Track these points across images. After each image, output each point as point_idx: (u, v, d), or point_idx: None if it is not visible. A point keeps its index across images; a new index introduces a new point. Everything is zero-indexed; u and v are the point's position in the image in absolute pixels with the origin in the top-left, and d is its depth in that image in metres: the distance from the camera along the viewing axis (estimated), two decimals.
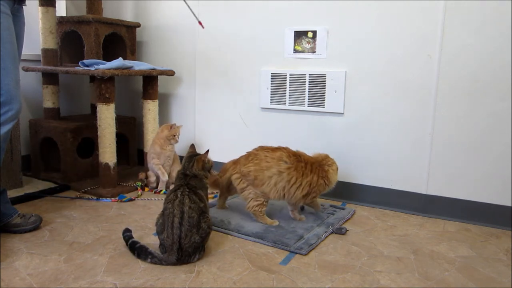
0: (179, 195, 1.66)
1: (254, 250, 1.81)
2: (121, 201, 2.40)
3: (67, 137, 2.59)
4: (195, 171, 1.78)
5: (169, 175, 2.63)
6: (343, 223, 2.12)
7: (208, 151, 1.85)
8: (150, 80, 2.72)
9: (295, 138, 2.61)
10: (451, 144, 2.20)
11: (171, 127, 2.56)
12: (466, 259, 1.77)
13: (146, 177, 2.68)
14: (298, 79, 2.52)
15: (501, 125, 2.08)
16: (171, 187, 2.14)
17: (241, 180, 2.02)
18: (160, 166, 2.59)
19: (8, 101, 1.70)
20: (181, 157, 2.87)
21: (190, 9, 2.41)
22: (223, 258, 1.72)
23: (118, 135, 2.60)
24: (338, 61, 2.43)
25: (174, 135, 2.55)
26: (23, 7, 1.87)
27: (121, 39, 2.88)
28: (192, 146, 1.91)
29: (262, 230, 1.98)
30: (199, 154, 1.83)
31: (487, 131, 2.11)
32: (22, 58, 1.94)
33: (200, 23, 2.43)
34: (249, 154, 2.06)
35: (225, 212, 2.21)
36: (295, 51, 2.54)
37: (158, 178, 2.62)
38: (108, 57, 2.73)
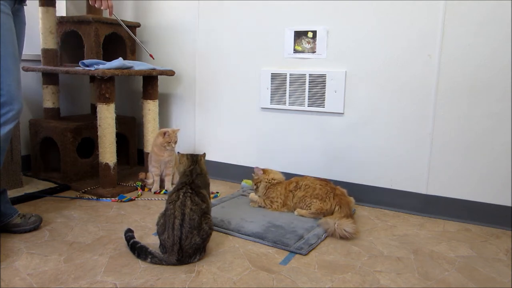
0: (181, 196, 1.66)
1: (254, 250, 1.81)
2: (121, 201, 2.40)
3: (67, 137, 2.59)
4: (202, 165, 1.81)
5: (173, 176, 2.63)
6: None
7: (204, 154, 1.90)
8: (150, 80, 2.72)
9: (295, 138, 2.61)
10: (451, 144, 2.20)
11: (164, 134, 2.51)
12: (466, 259, 1.77)
13: (146, 178, 2.68)
14: (298, 79, 2.52)
15: (501, 125, 2.08)
16: None
17: None
18: (157, 179, 2.60)
19: (9, 102, 1.70)
20: None
21: (142, 46, 2.59)
22: (223, 258, 1.72)
23: (118, 135, 2.60)
24: (338, 61, 2.43)
25: (169, 142, 2.50)
26: (24, 7, 1.87)
27: (121, 39, 2.89)
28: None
29: (262, 230, 1.98)
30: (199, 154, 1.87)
31: (487, 131, 2.11)
32: (22, 58, 1.94)
33: (151, 55, 2.58)
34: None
35: (225, 212, 2.21)
36: (295, 51, 2.54)
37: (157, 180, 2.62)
38: (108, 57, 2.73)
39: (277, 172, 2.34)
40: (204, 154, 1.88)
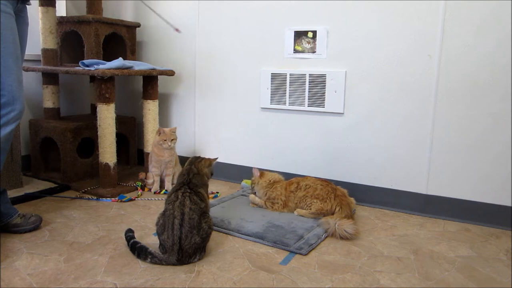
0: (179, 196, 1.66)
1: (254, 250, 1.81)
2: (121, 201, 2.40)
3: (67, 137, 2.59)
4: (201, 167, 1.81)
5: (173, 176, 2.63)
6: None
7: (216, 158, 1.96)
8: (150, 80, 2.72)
9: (295, 138, 2.61)
10: (451, 144, 2.20)
11: (160, 132, 2.52)
12: (466, 259, 1.77)
13: (146, 178, 2.68)
14: (298, 79, 2.52)
15: (501, 125, 2.08)
16: None
17: None
18: (157, 179, 2.59)
19: (10, 102, 1.69)
20: (181, 157, 2.88)
21: (166, 20, 2.67)
22: (223, 258, 1.72)
23: (118, 135, 2.60)
24: (338, 61, 2.43)
25: (165, 140, 2.50)
26: (27, 7, 1.86)
27: (121, 39, 2.89)
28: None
29: (262, 230, 1.98)
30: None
31: (487, 131, 2.11)
32: None
33: (177, 29, 2.69)
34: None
35: (225, 212, 2.21)
36: (295, 51, 2.54)
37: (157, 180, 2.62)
38: (108, 57, 2.73)
39: (274, 174, 2.34)
40: (216, 158, 1.94)
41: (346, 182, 2.46)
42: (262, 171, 2.34)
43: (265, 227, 2.02)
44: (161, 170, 2.60)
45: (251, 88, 2.72)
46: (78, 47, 2.80)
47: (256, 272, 1.61)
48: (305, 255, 1.77)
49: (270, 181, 2.28)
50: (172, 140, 2.52)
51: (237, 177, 2.83)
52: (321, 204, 2.11)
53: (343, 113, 2.45)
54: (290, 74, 2.54)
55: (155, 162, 2.57)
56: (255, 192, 2.34)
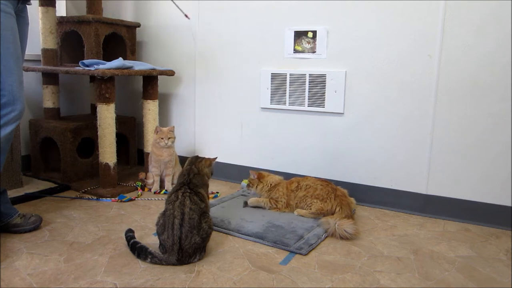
0: (180, 196, 1.66)
1: (254, 250, 1.81)
2: (121, 201, 2.40)
3: (67, 137, 2.59)
4: (201, 167, 1.82)
5: (173, 176, 2.63)
6: None
7: (216, 158, 1.96)
8: (150, 80, 2.72)
9: (295, 138, 2.61)
10: (451, 144, 2.20)
11: (157, 131, 2.52)
12: (466, 259, 1.77)
13: (146, 178, 2.68)
14: (298, 79, 2.52)
15: (501, 125, 2.08)
16: None
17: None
18: (157, 179, 2.59)
19: (11, 102, 1.69)
20: (181, 157, 2.88)
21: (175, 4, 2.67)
22: (223, 258, 1.72)
23: (118, 135, 2.60)
24: (338, 61, 2.43)
25: (162, 138, 2.50)
26: (27, 7, 1.86)
27: (121, 39, 2.89)
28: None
29: (262, 230, 1.98)
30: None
31: (487, 131, 2.11)
32: None
33: (186, 15, 2.70)
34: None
35: (225, 212, 2.21)
36: (295, 51, 2.54)
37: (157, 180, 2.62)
38: (108, 57, 2.73)
39: (274, 176, 2.34)
40: (215, 158, 1.94)
41: (346, 182, 2.46)
42: (260, 173, 2.34)
43: (265, 227, 2.02)
44: (161, 170, 2.60)
45: (251, 88, 2.72)
46: (78, 47, 2.80)
47: (256, 272, 1.61)
48: (305, 255, 1.77)
49: (271, 184, 2.28)
50: (169, 138, 2.52)
51: (237, 177, 2.83)
52: (321, 204, 2.11)
53: (343, 113, 2.45)
54: (290, 74, 2.54)
55: (155, 162, 2.57)
56: (250, 191, 2.35)
